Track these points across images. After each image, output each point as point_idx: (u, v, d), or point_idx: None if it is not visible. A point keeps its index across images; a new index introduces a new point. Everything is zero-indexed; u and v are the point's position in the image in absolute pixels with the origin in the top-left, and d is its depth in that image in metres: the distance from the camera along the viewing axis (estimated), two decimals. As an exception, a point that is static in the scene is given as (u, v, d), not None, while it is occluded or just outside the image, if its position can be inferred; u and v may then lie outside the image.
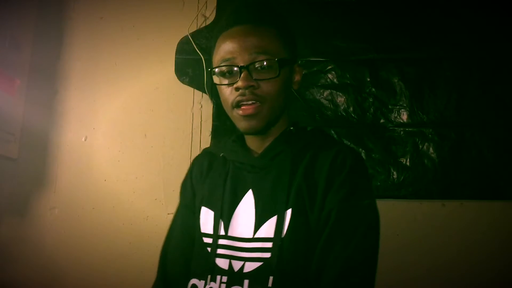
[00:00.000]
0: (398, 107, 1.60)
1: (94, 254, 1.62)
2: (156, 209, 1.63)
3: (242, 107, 0.90)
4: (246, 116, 0.90)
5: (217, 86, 0.95)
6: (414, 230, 1.51)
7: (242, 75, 0.88)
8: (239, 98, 0.89)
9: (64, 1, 1.81)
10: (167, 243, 1.05)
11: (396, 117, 1.59)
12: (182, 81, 1.68)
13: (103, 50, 1.77)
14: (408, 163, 1.56)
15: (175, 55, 1.70)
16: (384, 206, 1.52)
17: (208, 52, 1.67)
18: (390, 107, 1.60)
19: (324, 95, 1.64)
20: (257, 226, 0.89)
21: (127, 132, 1.71)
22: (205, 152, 1.08)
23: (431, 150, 1.56)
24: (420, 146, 1.56)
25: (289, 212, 0.87)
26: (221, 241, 0.91)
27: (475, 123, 1.55)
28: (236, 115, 0.92)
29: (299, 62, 1.01)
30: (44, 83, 1.75)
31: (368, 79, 1.62)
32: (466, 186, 1.52)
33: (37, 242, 1.64)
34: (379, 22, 1.63)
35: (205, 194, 1.00)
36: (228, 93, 0.91)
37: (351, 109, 1.62)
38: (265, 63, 0.89)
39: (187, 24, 1.71)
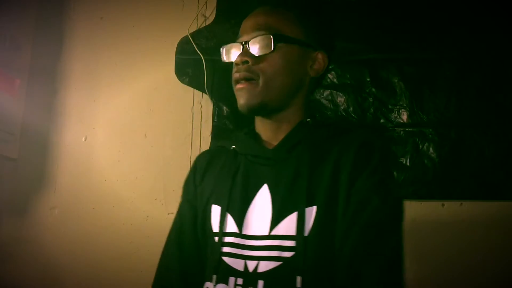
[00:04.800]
0: (398, 107, 1.59)
1: (94, 254, 1.62)
2: (156, 209, 1.63)
3: (237, 85, 0.90)
4: (240, 92, 0.89)
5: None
6: (414, 230, 1.51)
7: (242, 51, 0.89)
8: (236, 74, 0.90)
9: (64, 1, 1.81)
10: (175, 239, 0.99)
11: (396, 117, 1.59)
12: (182, 81, 1.68)
13: (103, 50, 1.77)
14: (408, 163, 1.56)
15: (175, 55, 1.70)
16: (384, 206, 1.53)
17: (208, 52, 1.67)
18: (390, 107, 1.60)
19: (324, 95, 1.64)
20: (274, 223, 0.83)
21: (127, 132, 1.71)
22: (213, 147, 1.08)
23: (431, 150, 1.56)
24: (420, 146, 1.56)
25: (313, 209, 0.81)
26: (233, 240, 0.86)
27: (475, 123, 1.55)
28: (235, 92, 0.91)
29: (324, 52, 0.94)
30: (44, 83, 1.75)
31: (368, 79, 1.62)
32: (466, 186, 1.51)
33: (37, 242, 1.64)
34: (379, 22, 1.63)
35: (215, 191, 0.94)
36: (233, 70, 0.92)
37: (351, 109, 1.62)
38: (260, 37, 0.88)
39: (187, 24, 1.71)
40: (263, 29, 0.89)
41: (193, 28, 1.71)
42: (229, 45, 0.93)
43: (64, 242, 1.64)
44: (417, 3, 1.63)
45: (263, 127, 0.95)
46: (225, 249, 0.86)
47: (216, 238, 0.88)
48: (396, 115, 1.59)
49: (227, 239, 0.86)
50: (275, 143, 0.92)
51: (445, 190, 1.53)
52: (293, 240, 0.80)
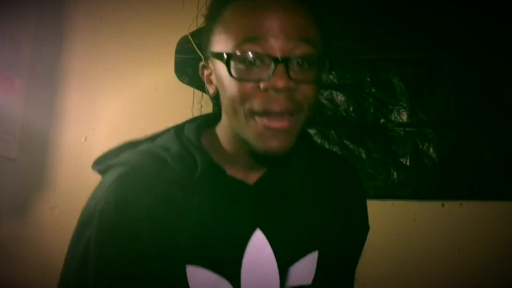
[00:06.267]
0: (398, 107, 1.60)
1: (94, 254, 1.61)
2: (156, 209, 1.63)
3: (270, 120, 0.61)
4: (275, 131, 0.61)
5: (223, 77, 0.63)
6: (414, 230, 1.51)
7: (277, 70, 0.59)
8: (268, 104, 0.60)
9: (64, 1, 1.81)
10: None
11: (396, 117, 1.59)
12: (182, 81, 1.68)
13: (103, 50, 1.77)
14: (408, 163, 1.56)
15: (175, 55, 1.70)
16: (384, 206, 1.53)
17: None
18: (390, 107, 1.60)
19: (324, 95, 1.64)
20: (283, 276, 0.68)
21: (127, 132, 1.71)
22: (144, 175, 0.68)
23: (431, 150, 1.56)
24: (420, 146, 1.56)
25: (316, 254, 0.71)
26: None
27: (475, 123, 1.55)
28: (252, 128, 0.62)
29: None
30: (44, 83, 1.75)
31: (368, 79, 1.62)
32: (466, 186, 1.52)
33: (37, 242, 1.64)
34: (379, 22, 1.63)
35: (181, 246, 0.65)
36: (244, 93, 0.61)
37: (351, 109, 1.62)
38: (308, 59, 0.61)
39: (187, 24, 1.71)
40: (306, 41, 0.61)
41: (193, 28, 1.71)
42: (246, 53, 0.60)
43: (64, 242, 1.62)
44: (417, 3, 1.63)
45: (238, 153, 0.69)
46: None
47: None
48: (396, 115, 1.60)
49: None
50: (252, 175, 0.71)
51: (445, 190, 1.53)
52: None
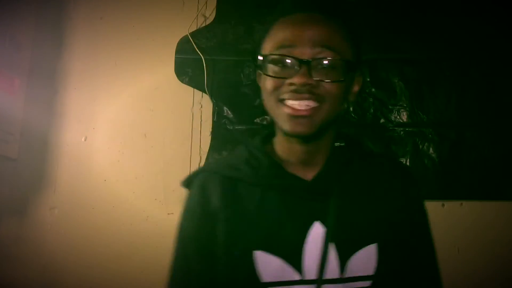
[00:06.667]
0: (398, 107, 1.60)
1: (94, 254, 1.61)
2: (156, 209, 1.63)
3: (293, 105, 0.75)
4: (297, 117, 0.75)
5: (262, 76, 0.80)
6: (414, 230, 1.51)
7: (301, 70, 0.74)
8: (290, 93, 0.75)
9: (64, 1, 1.81)
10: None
11: (396, 117, 1.59)
12: (182, 81, 1.68)
13: (103, 50, 1.77)
14: (408, 163, 1.56)
15: (175, 55, 1.70)
16: (384, 206, 1.53)
17: (208, 52, 1.67)
18: (390, 107, 1.60)
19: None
20: (342, 264, 0.76)
21: (127, 132, 1.71)
22: (212, 176, 0.85)
23: (431, 150, 1.56)
24: (420, 146, 1.56)
25: (375, 246, 0.78)
26: None
27: (475, 123, 1.55)
28: (282, 112, 0.77)
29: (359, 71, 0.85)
30: (44, 83, 1.75)
31: (368, 79, 1.62)
32: (466, 186, 1.52)
33: (37, 242, 1.64)
34: (379, 22, 1.63)
35: (249, 234, 0.79)
36: (275, 86, 0.77)
37: (351, 109, 1.62)
38: (328, 61, 0.75)
39: (187, 24, 1.71)
40: (327, 47, 0.75)
41: (193, 28, 1.71)
42: (276, 56, 0.77)
43: (64, 242, 1.64)
44: (417, 3, 1.63)
45: (294, 154, 0.83)
46: None
47: None
48: (396, 115, 1.60)
49: None
50: (309, 172, 0.82)
51: (445, 190, 1.53)
52: (363, 280, 0.77)
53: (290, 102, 0.76)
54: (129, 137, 1.71)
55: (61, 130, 1.73)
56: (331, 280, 0.76)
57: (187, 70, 1.69)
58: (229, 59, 1.67)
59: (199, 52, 1.66)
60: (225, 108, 1.63)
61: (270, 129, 0.89)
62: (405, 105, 1.59)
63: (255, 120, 1.61)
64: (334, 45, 0.76)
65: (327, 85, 0.75)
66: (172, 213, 1.62)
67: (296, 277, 0.76)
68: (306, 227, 0.78)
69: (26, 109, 1.69)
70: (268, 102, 0.80)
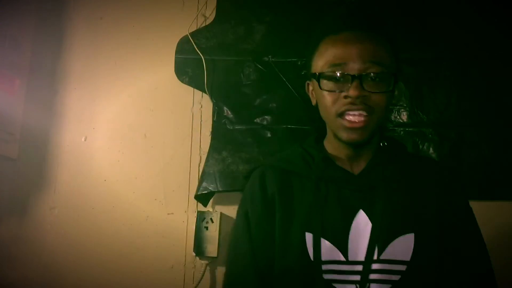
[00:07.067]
0: (398, 107, 1.60)
1: (94, 254, 1.61)
2: (156, 209, 1.63)
3: (349, 118, 0.88)
4: (353, 129, 0.88)
5: (319, 91, 0.91)
6: (414, 230, 1.51)
7: (353, 83, 0.86)
8: (347, 106, 0.87)
9: (64, 1, 1.81)
10: (251, 266, 0.93)
11: (396, 117, 1.59)
12: (182, 81, 1.68)
13: (103, 50, 1.77)
14: (408, 163, 1.56)
15: (175, 55, 1.70)
16: (384, 206, 1.53)
17: (208, 52, 1.67)
18: (390, 107, 1.60)
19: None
20: (381, 248, 0.87)
21: (127, 132, 1.71)
22: (272, 168, 0.99)
23: (431, 150, 1.56)
24: (420, 146, 1.56)
25: (412, 235, 0.88)
26: (340, 267, 0.88)
27: (475, 123, 1.55)
28: (339, 124, 0.90)
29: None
30: (44, 83, 1.75)
31: (368, 79, 1.62)
32: (466, 186, 1.51)
33: (37, 242, 1.64)
34: (379, 22, 1.63)
35: (304, 218, 0.92)
36: (332, 100, 0.89)
37: (351, 109, 1.62)
38: (376, 75, 0.87)
39: (187, 24, 1.71)
40: (376, 63, 0.88)
41: (193, 28, 1.71)
42: (331, 73, 0.89)
43: (64, 242, 1.64)
44: (417, 3, 1.63)
45: (343, 152, 0.97)
46: (331, 276, 0.87)
47: (326, 266, 0.88)
48: (396, 115, 1.59)
49: (331, 266, 0.88)
50: (356, 167, 0.96)
51: (445, 190, 1.52)
52: (400, 264, 0.86)
53: (348, 117, 0.88)
54: (129, 137, 1.71)
55: (61, 130, 1.73)
56: (371, 260, 0.86)
57: (187, 70, 1.69)
58: (229, 59, 1.67)
59: (199, 52, 1.66)
60: (225, 108, 1.63)
61: (319, 131, 1.02)
62: (405, 105, 1.59)
63: (255, 120, 1.61)
64: (380, 60, 0.88)
65: (376, 97, 0.87)
66: (172, 213, 1.62)
67: (342, 257, 0.87)
68: (353, 214, 0.89)
69: (26, 109, 1.69)
70: (328, 114, 0.91)
